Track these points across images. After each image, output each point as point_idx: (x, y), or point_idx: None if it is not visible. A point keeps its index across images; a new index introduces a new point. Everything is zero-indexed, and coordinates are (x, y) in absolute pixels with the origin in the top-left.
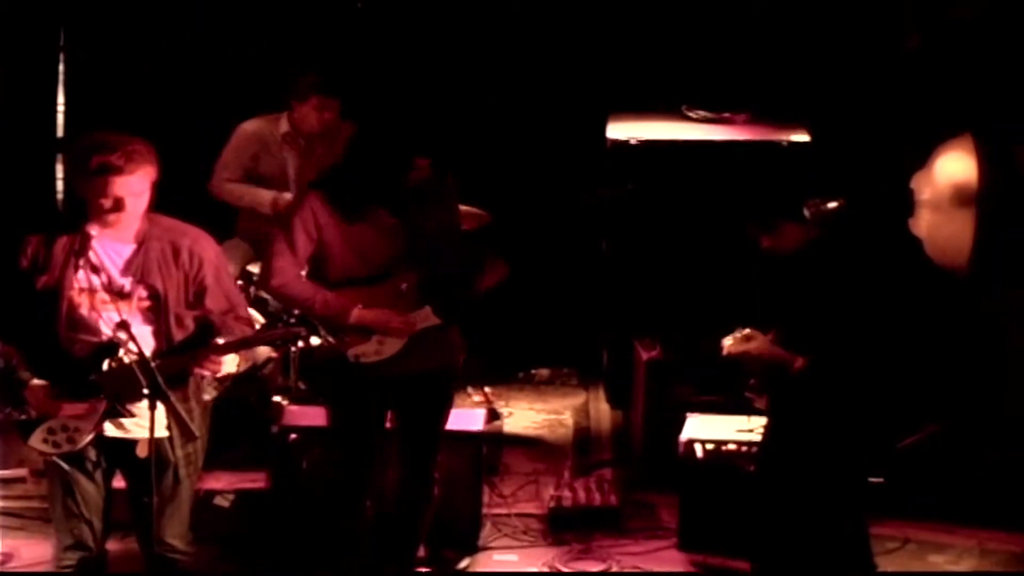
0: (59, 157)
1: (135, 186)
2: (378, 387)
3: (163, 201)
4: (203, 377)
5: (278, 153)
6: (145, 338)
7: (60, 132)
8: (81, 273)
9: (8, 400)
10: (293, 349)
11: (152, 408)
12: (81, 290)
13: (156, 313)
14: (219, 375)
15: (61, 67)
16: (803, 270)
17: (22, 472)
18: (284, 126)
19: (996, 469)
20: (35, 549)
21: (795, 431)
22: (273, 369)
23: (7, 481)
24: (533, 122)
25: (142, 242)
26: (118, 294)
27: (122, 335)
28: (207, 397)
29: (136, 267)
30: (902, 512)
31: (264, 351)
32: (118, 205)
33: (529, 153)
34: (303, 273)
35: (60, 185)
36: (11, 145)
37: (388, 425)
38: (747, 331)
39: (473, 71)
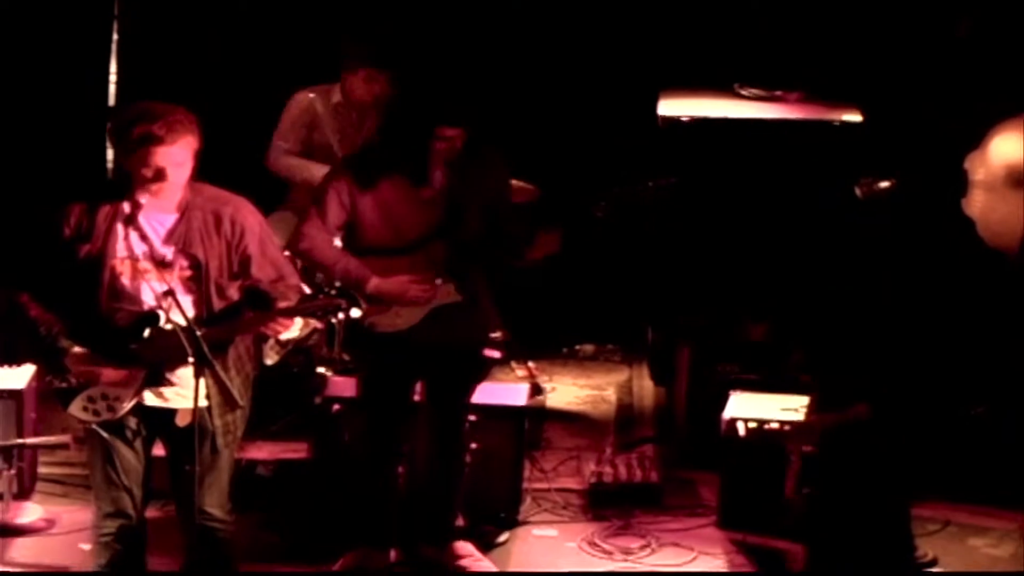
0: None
1: (176, 156)
2: (401, 357)
3: (214, 171)
4: (266, 342)
5: (331, 123)
6: (185, 307)
7: (112, 102)
8: (122, 242)
9: (49, 368)
10: (333, 320)
11: (196, 377)
12: (123, 259)
13: (197, 283)
14: (282, 339)
15: (115, 36)
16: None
17: (65, 439)
18: (336, 96)
19: None
20: (77, 515)
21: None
22: (318, 340)
23: (50, 447)
24: (586, 98)
25: (184, 211)
26: (160, 263)
27: (167, 304)
28: (269, 362)
29: (178, 236)
30: (944, 494)
31: (309, 322)
32: (159, 175)
33: (581, 129)
34: (337, 242)
35: (110, 154)
36: (63, 114)
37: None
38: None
39: (525, 46)
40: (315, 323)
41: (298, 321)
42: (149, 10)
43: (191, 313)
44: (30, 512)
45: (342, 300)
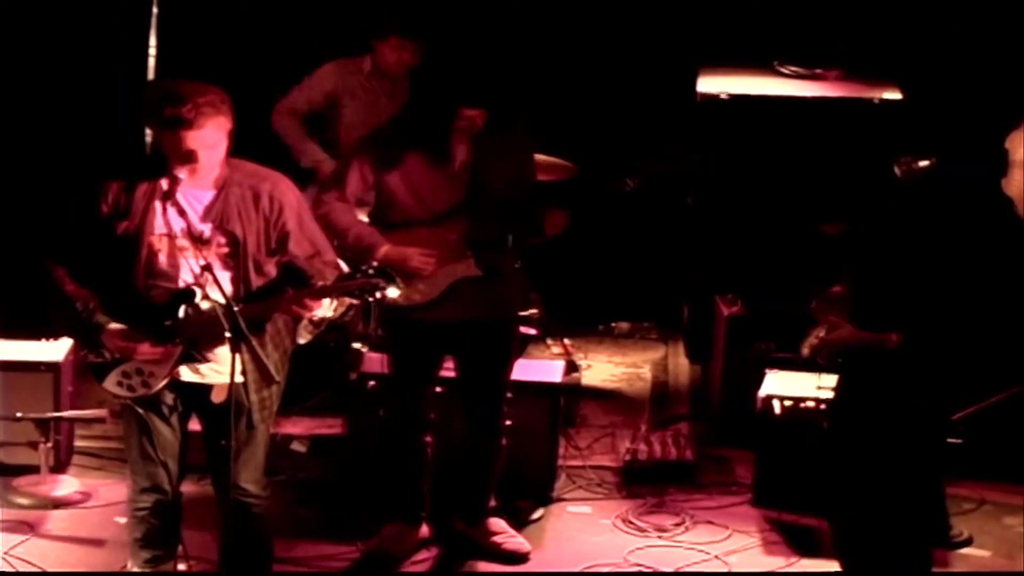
0: None
1: (208, 138)
2: (425, 333)
3: (252, 145)
4: (300, 321)
5: (363, 95)
6: (223, 284)
7: (151, 76)
8: (160, 219)
9: (84, 343)
10: (370, 300)
11: (233, 353)
12: (161, 236)
13: (235, 259)
14: (314, 319)
15: (154, 10)
16: (883, 240)
17: (102, 413)
18: (367, 66)
19: None
20: (113, 489)
21: (875, 389)
22: (353, 316)
23: (87, 421)
24: (625, 75)
25: (222, 188)
26: (197, 240)
27: (204, 280)
28: (301, 341)
29: (216, 213)
30: (979, 474)
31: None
32: (191, 157)
33: (620, 106)
34: (363, 217)
35: (149, 132)
36: (103, 88)
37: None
38: (822, 325)
39: (565, 24)
40: (349, 301)
41: (328, 301)
42: None
43: (229, 290)
44: (66, 485)
45: (379, 279)
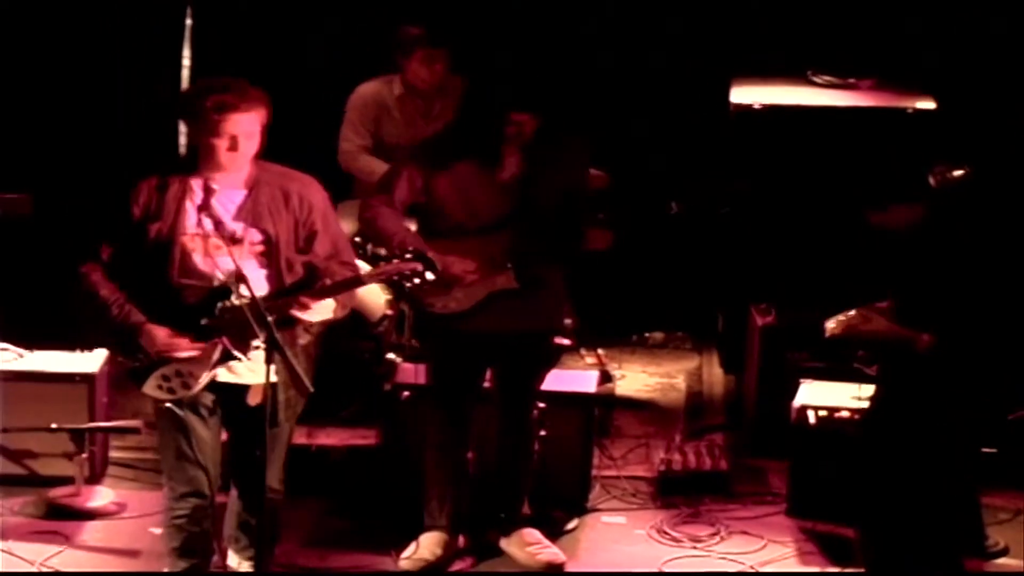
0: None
1: (248, 125)
2: (464, 344)
3: (284, 157)
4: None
5: (398, 117)
6: (259, 282)
7: (185, 86)
8: (193, 219)
9: (121, 348)
10: (408, 285)
11: (268, 355)
12: (194, 236)
13: (269, 257)
14: (307, 320)
15: (188, 22)
16: (921, 245)
17: (136, 423)
18: (398, 88)
19: None
20: (148, 500)
21: (911, 400)
22: (388, 326)
23: (121, 432)
24: (659, 85)
25: (252, 187)
26: (230, 239)
27: (236, 283)
28: (301, 341)
29: (247, 212)
30: (1016, 483)
31: (380, 308)
32: (232, 144)
33: (653, 116)
34: (412, 227)
35: (183, 139)
36: (138, 98)
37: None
38: (856, 313)
39: (601, 34)
40: (383, 310)
41: (328, 303)
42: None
43: (265, 287)
44: (101, 496)
45: (418, 264)
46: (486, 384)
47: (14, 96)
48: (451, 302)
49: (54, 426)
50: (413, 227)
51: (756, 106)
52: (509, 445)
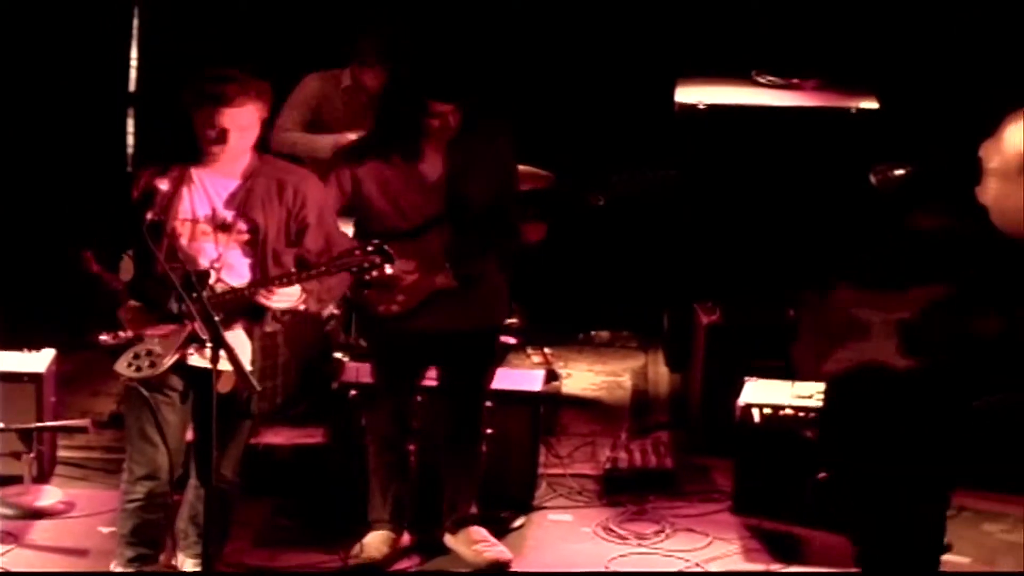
0: (130, 111)
1: (241, 119)
2: (407, 343)
3: None
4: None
5: (341, 107)
6: (242, 270)
7: (132, 86)
8: (187, 205)
9: (104, 322)
10: (367, 278)
11: (214, 357)
12: (184, 221)
13: (254, 247)
14: (274, 307)
15: (135, 23)
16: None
17: (84, 422)
18: (346, 80)
19: None
20: (96, 499)
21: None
22: (335, 326)
23: (69, 431)
24: (606, 85)
25: (248, 178)
26: (220, 226)
27: (220, 265)
28: (268, 329)
29: (239, 201)
30: (959, 482)
31: (328, 309)
32: (222, 137)
33: (598, 115)
34: (348, 230)
35: (131, 139)
36: (85, 98)
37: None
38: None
39: (545, 34)
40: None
41: (294, 291)
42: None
43: (248, 276)
44: (49, 495)
45: (376, 256)
46: (432, 382)
47: None
48: (392, 304)
49: (1, 426)
50: (350, 230)
51: (701, 106)
52: (457, 443)
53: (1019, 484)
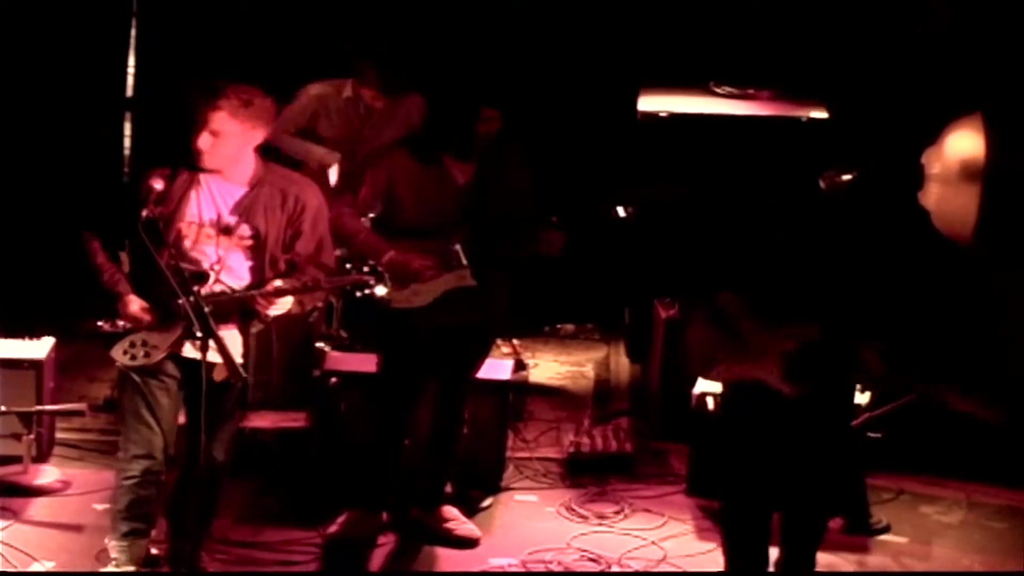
0: (128, 115)
1: (227, 125)
2: (421, 337)
3: None
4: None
5: (338, 117)
6: (242, 272)
7: (129, 92)
8: (194, 207)
9: (102, 311)
10: (358, 295)
11: (203, 347)
12: (190, 223)
13: (255, 251)
14: (267, 314)
15: (133, 32)
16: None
17: (81, 406)
18: (348, 91)
19: (985, 428)
20: (92, 478)
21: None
22: (317, 317)
23: (67, 414)
24: (572, 95)
25: (255, 186)
26: (223, 230)
27: (220, 267)
28: (253, 330)
29: (244, 208)
30: (897, 466)
31: (310, 300)
32: (211, 137)
33: (567, 123)
34: (365, 222)
35: (127, 142)
36: (84, 103)
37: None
38: None
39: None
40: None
41: (287, 300)
42: (164, 8)
43: (247, 279)
44: (48, 474)
45: (371, 277)
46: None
47: None
48: (413, 297)
49: (3, 409)
50: (367, 223)
51: (662, 114)
52: (442, 431)
53: (953, 469)
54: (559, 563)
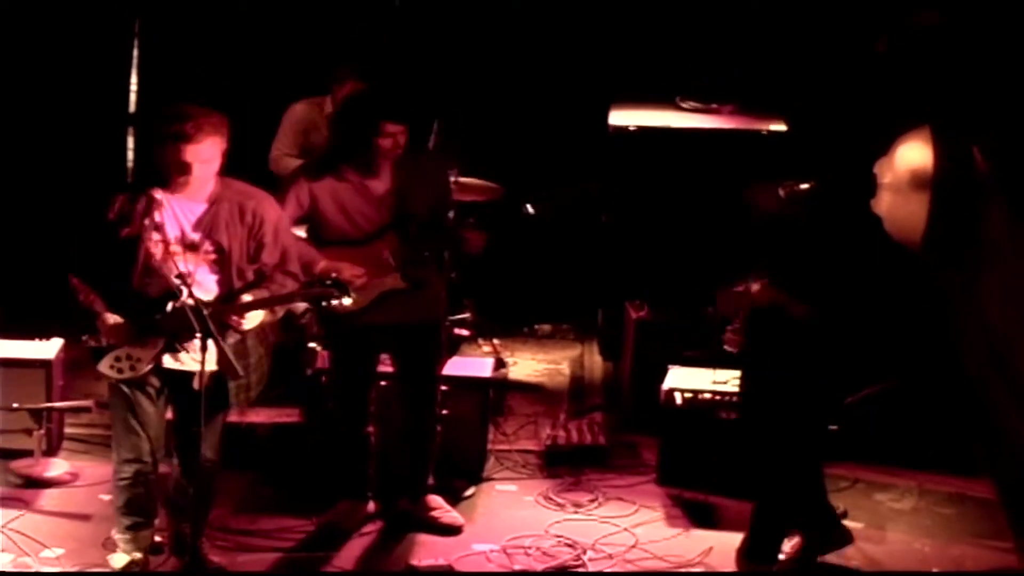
0: (130, 131)
1: (203, 153)
2: (358, 335)
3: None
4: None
5: (324, 130)
6: (210, 286)
7: (132, 109)
8: (157, 227)
9: (84, 329)
10: (324, 304)
11: (203, 348)
12: (157, 242)
13: (221, 265)
14: (242, 328)
15: (135, 52)
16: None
17: (88, 403)
18: (328, 107)
19: (935, 420)
20: (97, 470)
21: (774, 377)
22: (309, 319)
23: (75, 411)
24: (548, 109)
25: (213, 202)
26: (189, 246)
27: (182, 285)
28: (230, 340)
29: (206, 224)
30: (853, 456)
31: (303, 304)
32: (185, 169)
33: (544, 136)
34: (301, 233)
35: (130, 155)
36: (89, 119)
37: (391, 369)
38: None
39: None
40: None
41: (259, 313)
42: (165, 30)
43: (215, 291)
44: (57, 467)
45: (334, 290)
46: (387, 369)
47: None
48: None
49: (15, 405)
50: (303, 233)
51: (631, 127)
52: (412, 424)
53: (906, 459)
54: (538, 548)
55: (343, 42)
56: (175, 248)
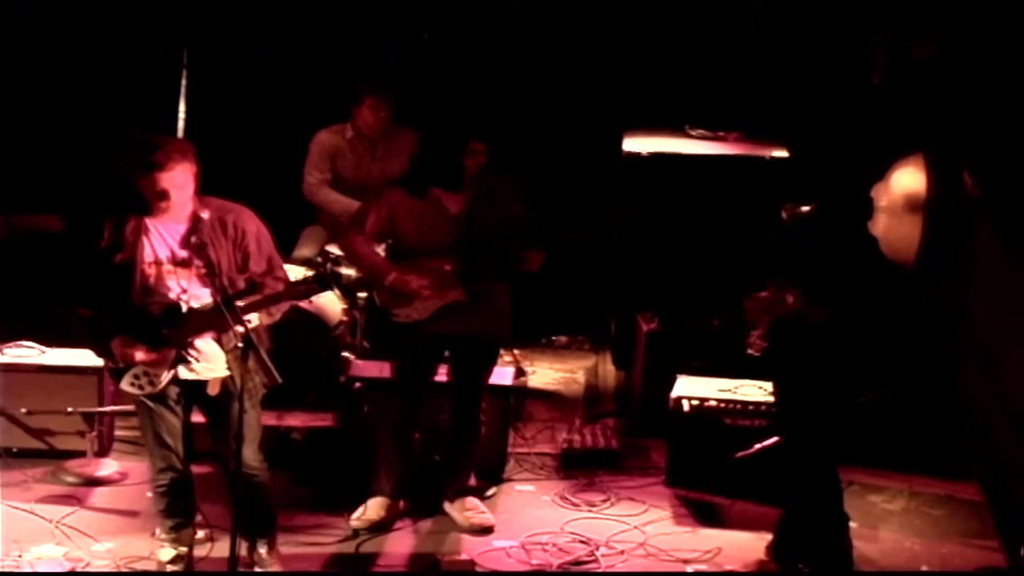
0: None
1: (177, 179)
2: (422, 344)
3: (258, 191)
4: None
5: (350, 156)
6: (205, 298)
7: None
8: (148, 249)
9: (99, 353)
10: (311, 299)
11: (245, 359)
12: (150, 263)
13: (211, 278)
14: (250, 327)
15: (183, 82)
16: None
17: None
18: (349, 132)
19: (925, 425)
20: (145, 470)
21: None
22: (343, 330)
23: (124, 414)
24: (565, 137)
25: (195, 220)
26: (180, 264)
27: (186, 297)
28: (231, 345)
29: (192, 241)
30: (848, 459)
31: (337, 315)
32: (164, 195)
33: (561, 162)
34: (379, 250)
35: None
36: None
37: (446, 378)
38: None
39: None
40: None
41: (254, 316)
42: (211, 63)
43: (211, 303)
44: (108, 467)
45: (315, 284)
46: (441, 379)
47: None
48: (412, 312)
49: (70, 410)
50: (381, 250)
51: (644, 153)
52: (460, 429)
53: (897, 462)
54: (554, 544)
55: (370, 72)
56: (168, 268)
